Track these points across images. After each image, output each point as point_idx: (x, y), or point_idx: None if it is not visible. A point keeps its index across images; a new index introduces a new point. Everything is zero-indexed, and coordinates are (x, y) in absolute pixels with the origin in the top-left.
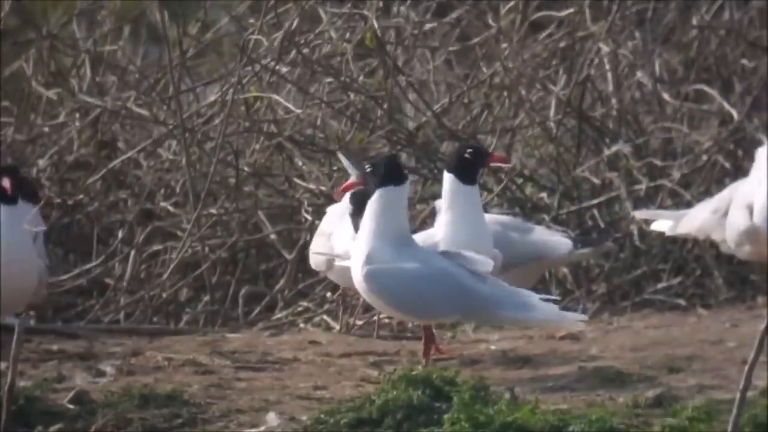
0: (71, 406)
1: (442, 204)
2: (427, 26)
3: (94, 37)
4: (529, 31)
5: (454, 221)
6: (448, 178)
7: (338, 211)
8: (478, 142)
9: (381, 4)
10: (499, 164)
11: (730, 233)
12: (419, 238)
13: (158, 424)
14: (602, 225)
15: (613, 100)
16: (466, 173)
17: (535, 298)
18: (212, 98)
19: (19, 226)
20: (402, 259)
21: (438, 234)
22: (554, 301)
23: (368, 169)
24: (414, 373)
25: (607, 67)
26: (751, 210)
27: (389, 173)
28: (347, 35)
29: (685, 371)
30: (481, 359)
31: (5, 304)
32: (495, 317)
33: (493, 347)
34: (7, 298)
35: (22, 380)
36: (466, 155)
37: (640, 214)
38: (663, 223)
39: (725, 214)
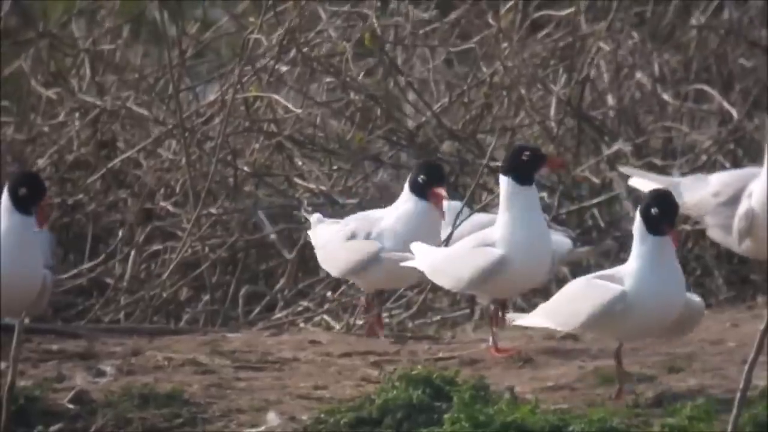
0: (71, 406)
1: (499, 205)
2: (427, 25)
3: (94, 36)
4: (530, 30)
5: (511, 222)
6: (504, 180)
7: None
8: (478, 141)
9: (380, 3)
10: (558, 168)
11: (737, 222)
12: (476, 238)
13: (158, 423)
14: (602, 224)
15: (610, 97)
16: (523, 175)
17: None
18: (212, 98)
19: (22, 228)
20: None
21: (495, 235)
22: None
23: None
24: (414, 372)
25: (604, 67)
26: (750, 196)
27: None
28: (347, 34)
29: (685, 371)
30: (481, 359)
31: (5, 306)
32: None
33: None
34: (7, 301)
35: (22, 380)
36: (524, 157)
37: (625, 170)
38: (647, 185)
39: (726, 202)
